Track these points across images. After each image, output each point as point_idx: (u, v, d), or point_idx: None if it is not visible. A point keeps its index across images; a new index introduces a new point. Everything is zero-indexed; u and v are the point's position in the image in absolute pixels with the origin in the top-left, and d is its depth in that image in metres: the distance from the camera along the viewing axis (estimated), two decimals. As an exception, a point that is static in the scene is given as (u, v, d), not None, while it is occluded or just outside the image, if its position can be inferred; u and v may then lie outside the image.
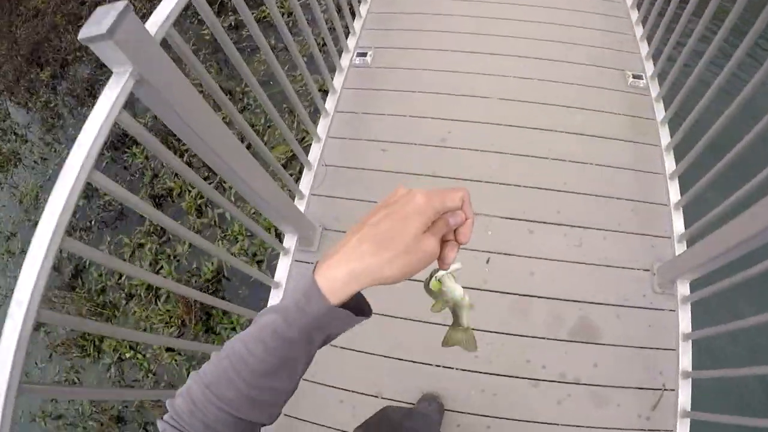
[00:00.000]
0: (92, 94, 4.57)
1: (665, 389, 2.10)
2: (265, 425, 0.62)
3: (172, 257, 3.33)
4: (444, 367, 2.05)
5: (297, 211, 2.15)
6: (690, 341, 2.13)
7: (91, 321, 1.32)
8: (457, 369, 2.04)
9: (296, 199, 2.40)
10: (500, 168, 2.42)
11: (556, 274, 2.18)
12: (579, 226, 2.29)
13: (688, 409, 2.06)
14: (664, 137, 2.56)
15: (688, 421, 2.05)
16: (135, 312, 3.29)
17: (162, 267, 3.28)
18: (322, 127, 2.56)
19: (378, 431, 1.16)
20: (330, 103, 2.62)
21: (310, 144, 2.51)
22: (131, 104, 4.08)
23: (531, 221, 2.28)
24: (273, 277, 2.26)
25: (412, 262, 0.55)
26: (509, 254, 2.21)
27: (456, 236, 0.61)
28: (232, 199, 3.15)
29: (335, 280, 0.55)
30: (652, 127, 2.64)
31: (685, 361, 2.11)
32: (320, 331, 0.57)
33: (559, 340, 2.09)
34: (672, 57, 2.57)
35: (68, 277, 3.73)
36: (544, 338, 2.08)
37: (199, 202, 3.31)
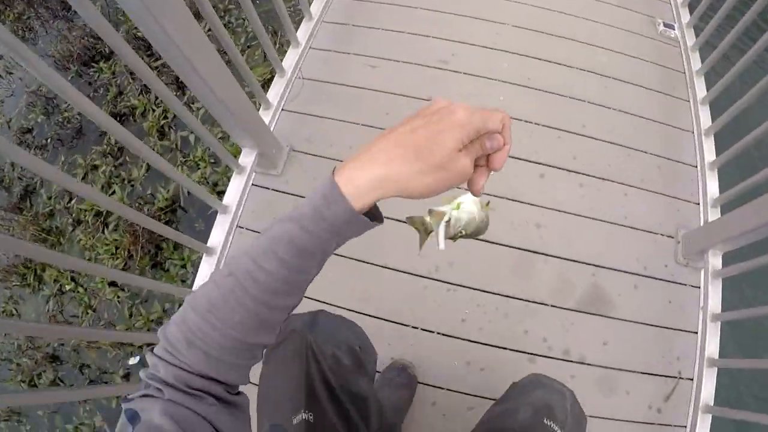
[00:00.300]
0: (67, 7, 3.87)
1: (681, 377, 1.61)
2: (267, 347, 0.53)
3: (126, 181, 2.75)
4: (423, 329, 1.52)
5: (258, 120, 1.59)
6: (719, 323, 1.63)
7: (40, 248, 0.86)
8: (438, 333, 1.52)
9: (261, 109, 1.83)
10: (509, 100, 1.87)
11: (568, 229, 1.66)
12: (597, 177, 1.76)
13: (712, 402, 1.57)
14: (700, 90, 2.02)
15: (709, 417, 1.57)
16: (81, 240, 2.73)
17: (114, 192, 2.69)
18: (303, 32, 1.97)
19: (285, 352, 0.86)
20: (315, 7, 2.03)
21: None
22: (108, 14, 3.43)
23: (542, 164, 1.75)
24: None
25: (443, 178, 0.46)
26: (513, 200, 1.68)
27: (489, 162, 0.52)
28: (200, 121, 2.55)
29: (359, 184, 0.46)
30: (682, 80, 2.10)
31: (712, 346, 1.63)
32: (337, 238, 0.49)
33: (565, 309, 1.58)
34: (705, 18, 2.11)
35: (17, 197, 3.14)
36: (547, 305, 1.57)
37: (162, 122, 2.72)
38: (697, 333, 1.67)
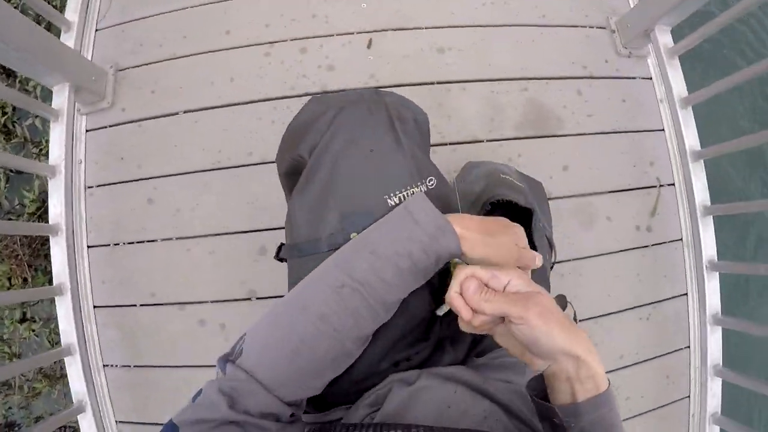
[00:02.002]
0: None
1: (661, 185, 1.17)
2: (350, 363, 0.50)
3: None
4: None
5: (54, 44, 1.07)
6: (690, 109, 1.19)
7: None
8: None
9: (63, 33, 1.28)
10: None
11: (479, 45, 1.18)
12: (496, -22, 1.25)
13: (708, 201, 1.14)
14: None
15: (710, 219, 1.14)
16: None
17: None
18: None
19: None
20: None
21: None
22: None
23: (423, -22, 1.22)
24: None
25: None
26: (400, 29, 1.18)
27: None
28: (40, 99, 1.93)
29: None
30: None
31: (690, 137, 1.20)
32: (435, 268, 0.49)
33: (505, 140, 1.11)
34: None
35: None
36: (482, 141, 1.09)
37: (3, 120, 2.06)
38: (663, 130, 1.23)
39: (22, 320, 2.07)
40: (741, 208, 1.08)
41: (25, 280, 1.98)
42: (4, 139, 2.00)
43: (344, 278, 0.45)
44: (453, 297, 0.46)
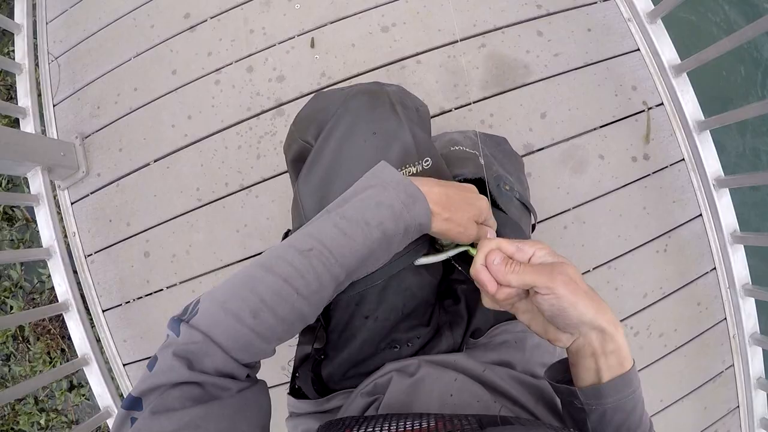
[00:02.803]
0: None
1: (649, 108, 1.07)
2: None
3: (14, 287, 2.16)
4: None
5: (14, 135, 1.02)
6: (659, 22, 1.10)
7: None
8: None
9: (21, 121, 1.27)
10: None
11: (422, 14, 1.11)
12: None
13: (701, 116, 1.04)
14: None
15: (707, 135, 1.05)
16: (20, 372, 2.16)
17: (11, 307, 2.10)
18: (21, 12, 1.33)
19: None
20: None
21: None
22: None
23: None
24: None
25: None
26: (339, 19, 1.10)
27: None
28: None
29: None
30: None
31: (667, 52, 1.09)
32: (403, 239, 0.48)
33: (475, 103, 1.02)
34: None
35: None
36: (451, 110, 1.02)
37: (2, 208, 2.09)
38: (639, 50, 1.12)
39: (70, 388, 2.12)
40: (736, 116, 0.98)
41: (63, 350, 2.02)
42: (8, 225, 2.03)
43: (313, 242, 0.43)
44: (479, 270, 0.45)
